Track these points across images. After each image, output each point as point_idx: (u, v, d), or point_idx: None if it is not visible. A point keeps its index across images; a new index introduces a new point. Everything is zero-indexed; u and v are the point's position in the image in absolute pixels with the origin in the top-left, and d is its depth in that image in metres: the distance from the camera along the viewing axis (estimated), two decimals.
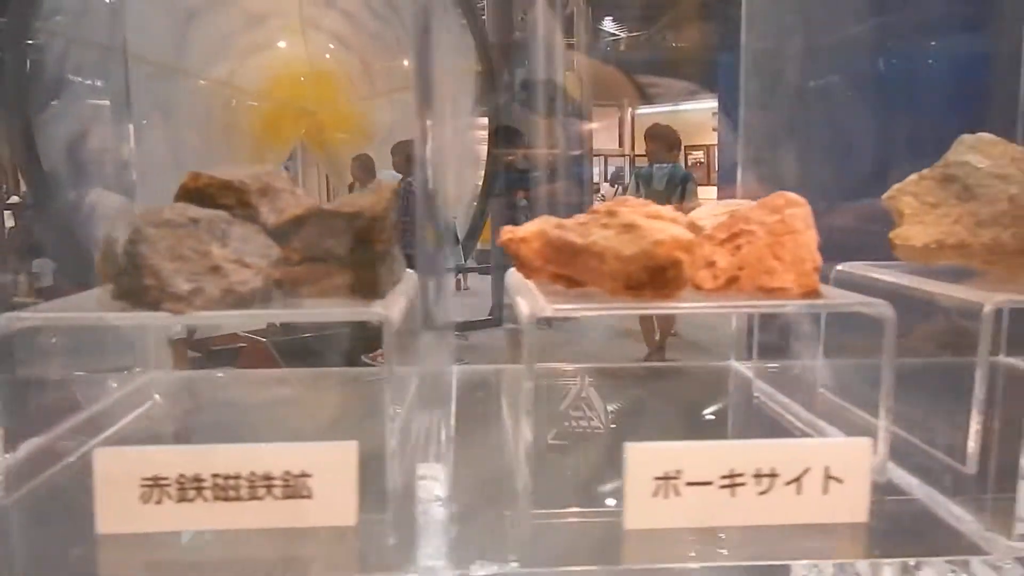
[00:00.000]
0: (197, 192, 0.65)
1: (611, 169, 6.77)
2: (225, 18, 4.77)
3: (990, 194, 0.77)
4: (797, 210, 0.66)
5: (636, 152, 6.58)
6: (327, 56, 5.26)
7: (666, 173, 3.91)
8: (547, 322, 0.64)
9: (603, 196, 6.95)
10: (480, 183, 5.02)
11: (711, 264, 0.67)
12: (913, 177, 0.81)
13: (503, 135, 5.07)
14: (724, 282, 0.65)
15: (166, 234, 0.59)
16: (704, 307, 0.63)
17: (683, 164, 4.97)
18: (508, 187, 5.50)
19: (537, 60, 5.17)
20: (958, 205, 0.77)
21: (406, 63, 5.04)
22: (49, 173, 3.99)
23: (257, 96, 5.10)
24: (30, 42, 4.07)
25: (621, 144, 6.97)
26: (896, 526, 0.61)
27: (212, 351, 3.52)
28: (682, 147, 4.62)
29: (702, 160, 7.00)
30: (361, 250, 0.63)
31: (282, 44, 5.31)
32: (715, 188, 6.18)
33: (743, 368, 1.00)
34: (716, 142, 6.10)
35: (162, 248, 0.59)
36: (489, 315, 5.18)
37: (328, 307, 0.62)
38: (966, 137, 0.82)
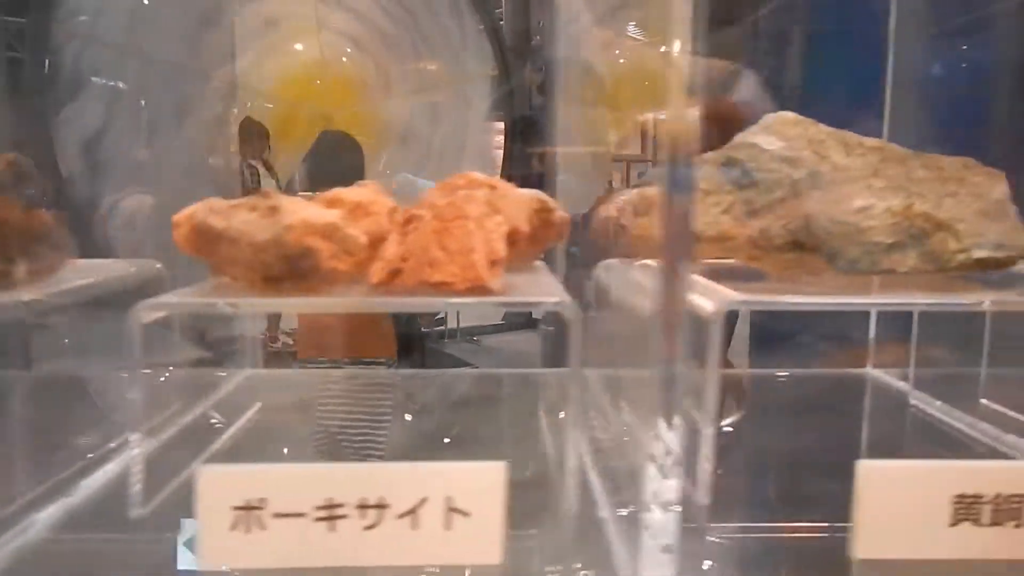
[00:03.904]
0: None
1: (633, 175, 6.59)
2: (240, 20, 4.78)
3: (771, 180, 0.66)
4: (478, 192, 0.56)
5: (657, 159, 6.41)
6: (342, 59, 5.26)
7: None
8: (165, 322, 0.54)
9: None
10: None
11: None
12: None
13: (522, 126, 5.00)
14: (387, 275, 0.55)
15: None
16: (313, 303, 0.54)
17: None
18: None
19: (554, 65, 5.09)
20: (733, 192, 0.66)
21: (423, 66, 5.02)
22: (67, 176, 4.02)
23: (271, 98, 5.11)
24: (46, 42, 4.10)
25: (644, 150, 6.79)
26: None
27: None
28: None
29: None
30: None
31: (298, 47, 5.32)
32: None
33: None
34: None
35: None
36: (501, 319, 5.11)
37: None
38: (769, 116, 0.71)
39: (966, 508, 0.50)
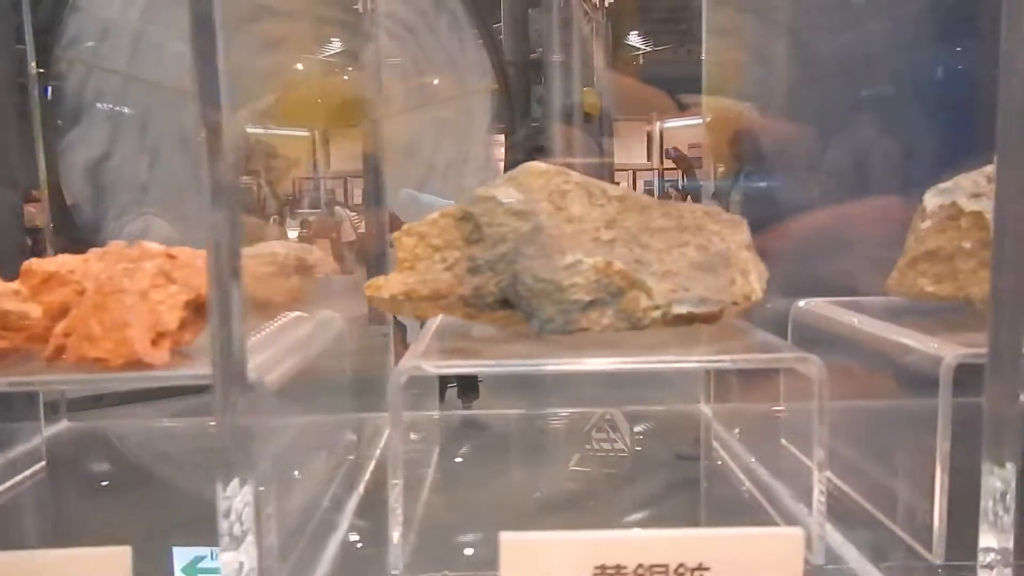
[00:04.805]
0: None
1: (640, 184, 6.57)
2: (240, 41, 4.85)
3: (498, 235, 0.64)
4: (148, 263, 0.55)
5: (664, 166, 6.39)
6: (344, 77, 5.30)
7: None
8: None
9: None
10: None
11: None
12: (435, 215, 0.69)
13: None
14: (53, 351, 0.55)
15: None
16: None
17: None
18: None
19: (553, 77, 5.12)
20: (463, 248, 0.65)
21: (424, 81, 5.06)
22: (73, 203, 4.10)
23: (274, 118, 5.17)
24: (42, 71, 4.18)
25: (649, 158, 6.77)
26: None
27: None
28: None
29: None
30: None
31: (299, 66, 5.38)
32: None
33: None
34: None
35: None
36: None
37: None
38: (522, 166, 0.70)
39: None
